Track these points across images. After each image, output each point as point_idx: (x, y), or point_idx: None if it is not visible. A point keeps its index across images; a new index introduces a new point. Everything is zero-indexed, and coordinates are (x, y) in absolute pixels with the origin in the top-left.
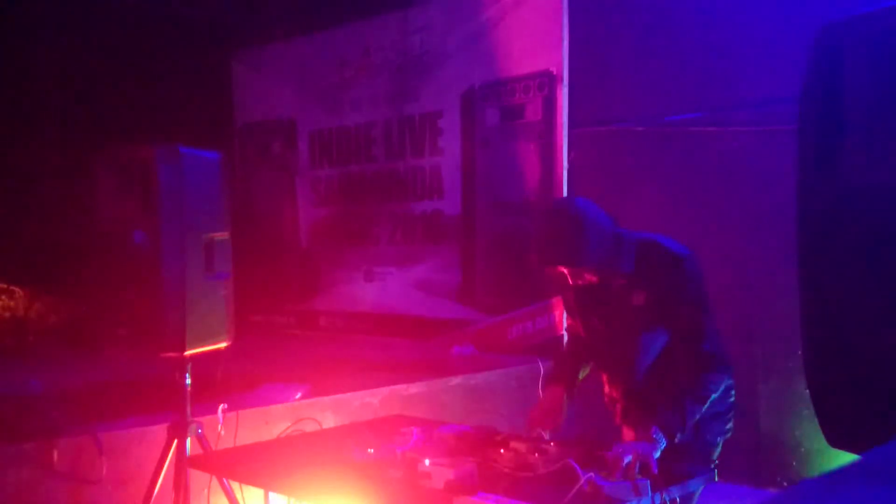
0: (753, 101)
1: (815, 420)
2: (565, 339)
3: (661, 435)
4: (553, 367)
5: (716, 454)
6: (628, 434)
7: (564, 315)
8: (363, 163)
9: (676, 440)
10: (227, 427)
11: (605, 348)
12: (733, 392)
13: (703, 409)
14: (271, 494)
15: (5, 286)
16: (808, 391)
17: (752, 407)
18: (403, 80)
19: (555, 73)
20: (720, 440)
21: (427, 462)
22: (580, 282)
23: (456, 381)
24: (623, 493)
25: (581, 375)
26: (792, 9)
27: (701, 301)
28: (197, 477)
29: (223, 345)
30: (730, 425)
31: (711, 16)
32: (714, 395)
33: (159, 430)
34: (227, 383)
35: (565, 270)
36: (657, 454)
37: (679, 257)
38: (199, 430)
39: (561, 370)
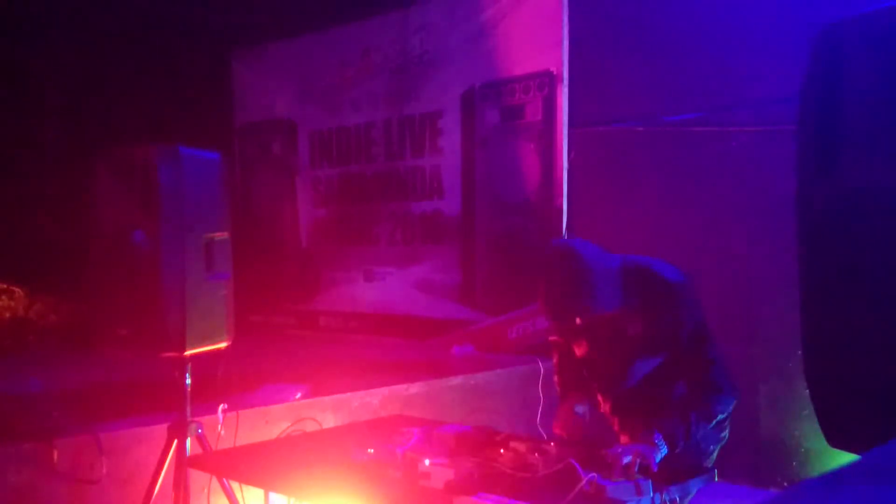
0: (753, 101)
1: (815, 420)
2: (553, 352)
3: (663, 442)
4: (559, 379)
5: (709, 462)
6: (627, 440)
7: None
8: (363, 163)
9: (677, 450)
10: (227, 427)
11: (596, 373)
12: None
13: (709, 427)
14: (271, 494)
15: (5, 286)
16: (808, 391)
17: (752, 407)
18: (403, 80)
19: (555, 73)
20: (714, 448)
21: (427, 462)
22: (590, 327)
23: (456, 381)
24: (625, 494)
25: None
26: (792, 9)
27: (698, 325)
28: (197, 477)
29: (223, 345)
30: (725, 433)
31: (711, 16)
32: (721, 416)
33: (159, 430)
34: (227, 383)
35: (578, 320)
36: (657, 459)
37: (674, 285)
38: (199, 430)
39: (569, 377)
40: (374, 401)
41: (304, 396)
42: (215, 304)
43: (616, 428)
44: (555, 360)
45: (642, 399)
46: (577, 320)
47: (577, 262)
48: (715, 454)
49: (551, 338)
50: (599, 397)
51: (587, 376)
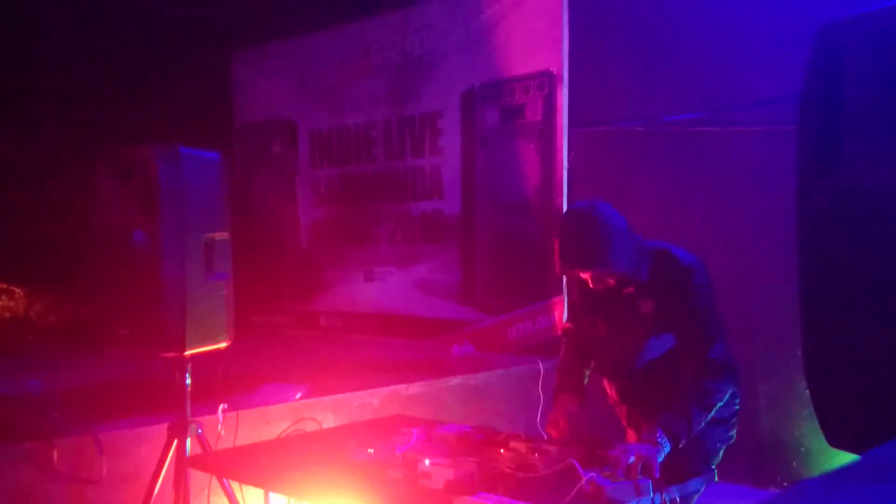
0: (753, 101)
1: (815, 420)
2: (563, 342)
3: (665, 440)
4: (558, 376)
5: (716, 461)
6: (633, 437)
7: (565, 317)
8: (363, 163)
9: (680, 446)
10: (227, 427)
11: (607, 352)
12: (738, 400)
13: (709, 417)
14: (271, 494)
15: (5, 286)
16: (808, 391)
17: (752, 407)
18: (403, 80)
19: (555, 73)
20: (721, 447)
21: (427, 462)
22: (600, 286)
23: (456, 381)
24: (625, 494)
25: (585, 380)
26: (792, 9)
27: (709, 310)
28: (197, 477)
29: (223, 345)
30: (733, 432)
31: (711, 16)
32: (719, 404)
33: (159, 430)
34: (227, 383)
35: (587, 275)
36: (661, 458)
37: (689, 267)
38: (199, 430)
39: (567, 377)
40: (374, 401)
41: (304, 396)
42: (215, 304)
43: (624, 422)
44: (562, 351)
45: (650, 387)
46: (586, 273)
47: (597, 216)
48: (722, 453)
49: (566, 325)
50: (605, 383)
51: (594, 357)
